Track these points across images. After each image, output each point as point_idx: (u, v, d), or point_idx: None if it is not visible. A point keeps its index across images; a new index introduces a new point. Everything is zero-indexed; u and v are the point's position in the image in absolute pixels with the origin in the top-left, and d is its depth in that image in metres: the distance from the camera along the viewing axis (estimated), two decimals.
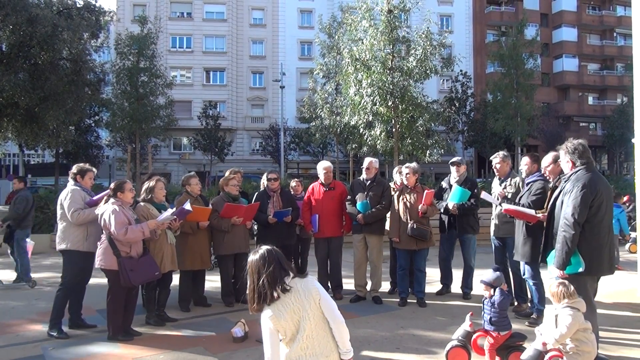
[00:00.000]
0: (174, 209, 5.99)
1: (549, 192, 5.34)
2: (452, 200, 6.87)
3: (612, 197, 4.70)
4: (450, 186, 7.10)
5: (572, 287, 4.11)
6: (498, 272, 4.73)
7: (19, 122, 20.63)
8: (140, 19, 26.95)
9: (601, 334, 4.95)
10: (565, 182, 4.54)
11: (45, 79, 18.93)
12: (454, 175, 7.17)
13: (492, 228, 6.60)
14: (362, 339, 5.31)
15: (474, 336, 4.61)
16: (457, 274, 7.31)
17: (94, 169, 6.11)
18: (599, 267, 4.39)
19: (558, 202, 4.55)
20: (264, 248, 2.85)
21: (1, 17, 17.88)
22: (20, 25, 18.03)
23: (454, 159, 7.21)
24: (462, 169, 7.16)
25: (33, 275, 8.54)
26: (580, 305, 4.04)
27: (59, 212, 5.77)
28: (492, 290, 4.59)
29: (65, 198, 5.69)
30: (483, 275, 4.80)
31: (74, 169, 5.98)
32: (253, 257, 2.82)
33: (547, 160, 5.47)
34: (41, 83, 18.84)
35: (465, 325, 4.61)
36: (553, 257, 4.52)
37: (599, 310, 4.84)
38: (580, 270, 4.30)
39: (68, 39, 18.95)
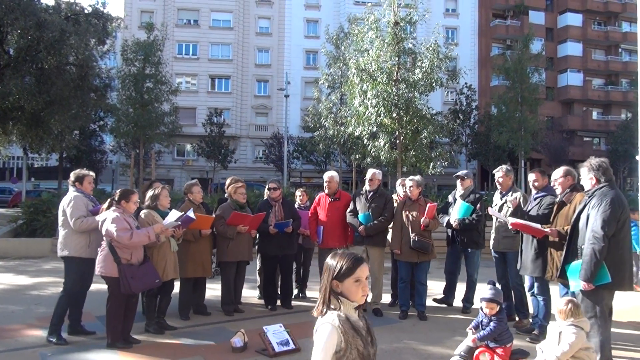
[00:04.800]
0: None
1: (554, 207, 5.38)
2: (455, 214, 6.84)
3: (630, 215, 4.73)
4: (455, 200, 7.05)
5: (581, 307, 4.08)
6: (495, 285, 4.71)
7: (25, 125, 20.75)
8: (147, 25, 27.10)
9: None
10: (589, 197, 4.59)
11: (52, 84, 19.07)
12: (459, 189, 7.08)
13: (492, 242, 6.58)
14: None
15: (476, 352, 4.57)
16: (461, 287, 7.24)
17: (91, 173, 6.07)
18: (621, 282, 4.43)
19: (583, 216, 4.59)
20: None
21: (10, 21, 18.04)
22: (28, 30, 18.20)
23: (459, 173, 7.10)
24: (467, 183, 7.00)
25: (33, 279, 8.51)
26: (585, 324, 4.01)
27: (60, 218, 5.76)
28: (497, 305, 4.54)
29: (67, 205, 5.68)
30: (480, 292, 4.76)
31: (72, 176, 5.96)
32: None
33: (557, 173, 5.49)
34: (47, 87, 18.97)
35: (468, 341, 4.58)
36: (576, 269, 4.50)
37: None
38: (607, 282, 4.32)
39: (75, 45, 19.11)
